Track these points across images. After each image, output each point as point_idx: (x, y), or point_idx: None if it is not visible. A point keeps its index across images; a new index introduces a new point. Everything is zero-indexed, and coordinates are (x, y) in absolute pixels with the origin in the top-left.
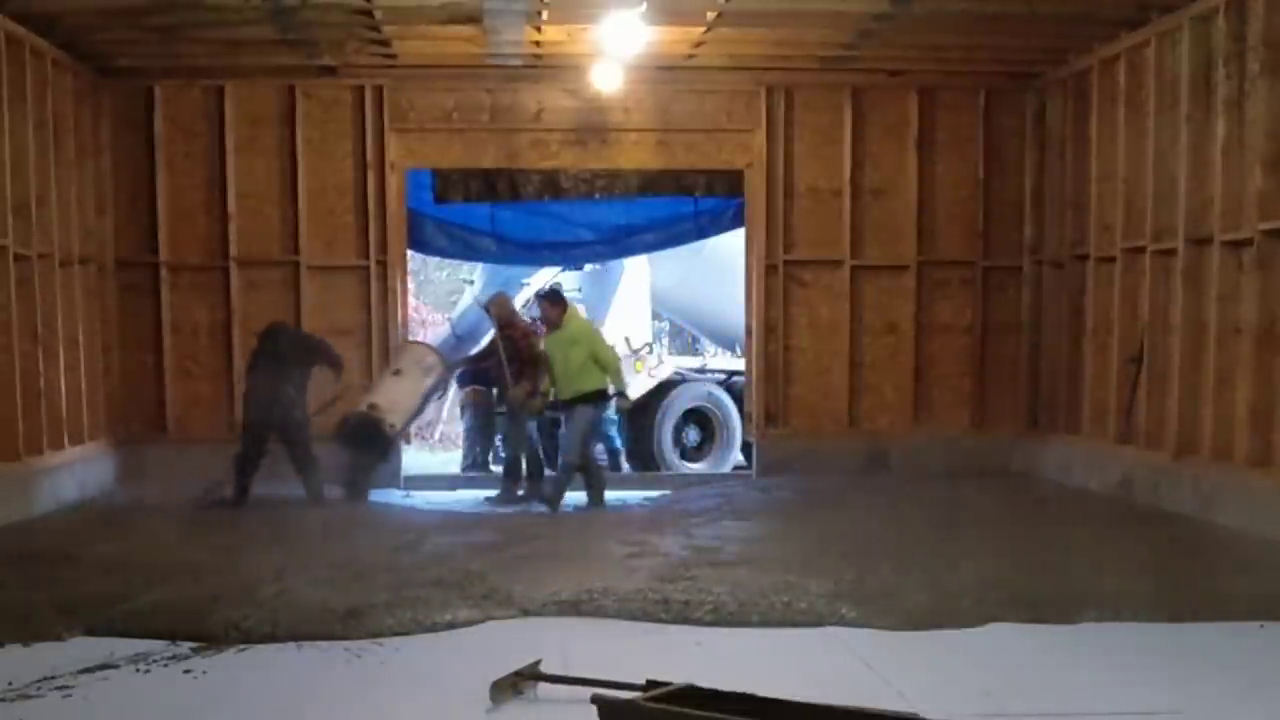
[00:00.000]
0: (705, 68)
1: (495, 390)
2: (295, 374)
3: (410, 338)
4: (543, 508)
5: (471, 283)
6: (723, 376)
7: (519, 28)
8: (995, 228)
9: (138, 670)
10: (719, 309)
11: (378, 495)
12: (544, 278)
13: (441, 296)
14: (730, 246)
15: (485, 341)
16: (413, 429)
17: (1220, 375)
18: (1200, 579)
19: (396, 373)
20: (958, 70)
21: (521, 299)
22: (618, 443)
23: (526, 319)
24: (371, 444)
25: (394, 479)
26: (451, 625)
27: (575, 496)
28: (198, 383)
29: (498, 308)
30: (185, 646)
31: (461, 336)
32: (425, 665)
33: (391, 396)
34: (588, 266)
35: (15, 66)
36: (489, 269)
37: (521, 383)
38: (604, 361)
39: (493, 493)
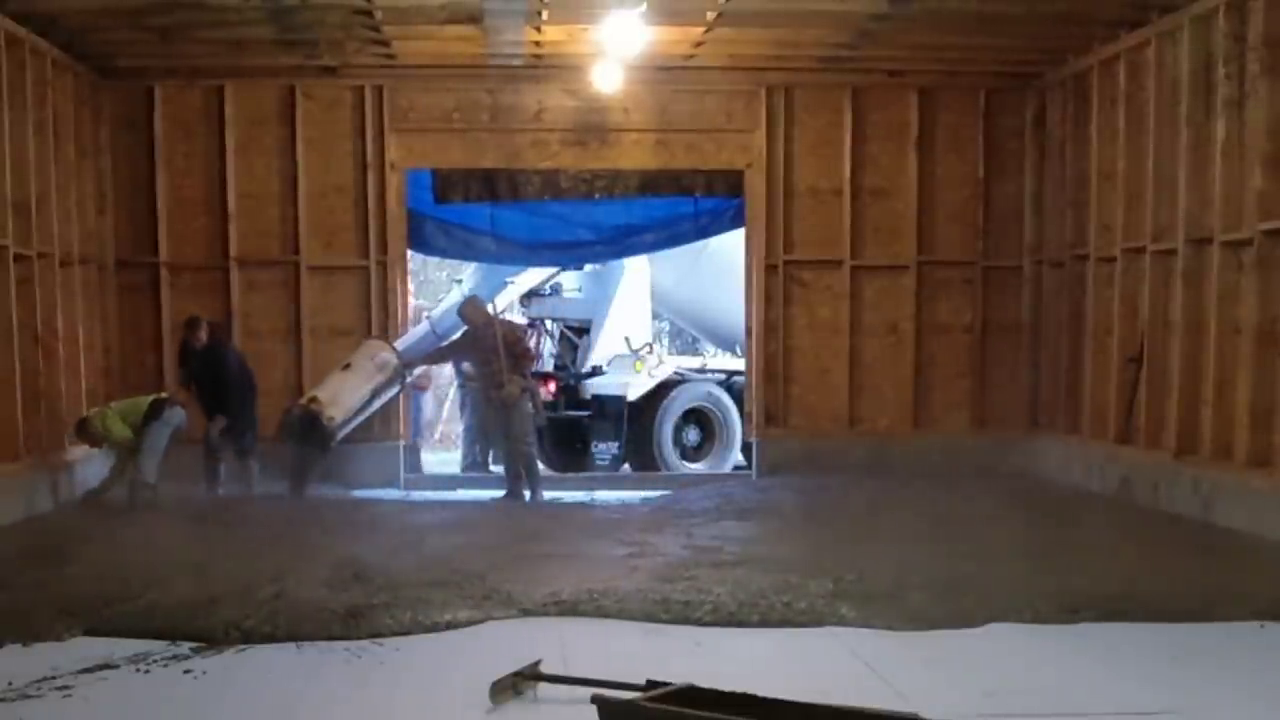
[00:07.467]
0: (705, 68)
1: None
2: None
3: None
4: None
5: (460, 281)
6: (723, 376)
7: (519, 28)
8: (995, 228)
9: (138, 670)
10: (719, 309)
11: (323, 490)
12: (531, 278)
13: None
14: (730, 246)
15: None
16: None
17: (1220, 375)
18: (1200, 579)
19: (345, 367)
20: (958, 70)
21: (506, 298)
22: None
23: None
24: (310, 437)
25: (394, 478)
26: (451, 625)
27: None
28: None
29: (472, 310)
30: (185, 646)
31: (442, 335)
32: (425, 665)
33: (334, 390)
34: (588, 267)
35: (15, 66)
36: (480, 268)
37: (514, 379)
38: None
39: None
